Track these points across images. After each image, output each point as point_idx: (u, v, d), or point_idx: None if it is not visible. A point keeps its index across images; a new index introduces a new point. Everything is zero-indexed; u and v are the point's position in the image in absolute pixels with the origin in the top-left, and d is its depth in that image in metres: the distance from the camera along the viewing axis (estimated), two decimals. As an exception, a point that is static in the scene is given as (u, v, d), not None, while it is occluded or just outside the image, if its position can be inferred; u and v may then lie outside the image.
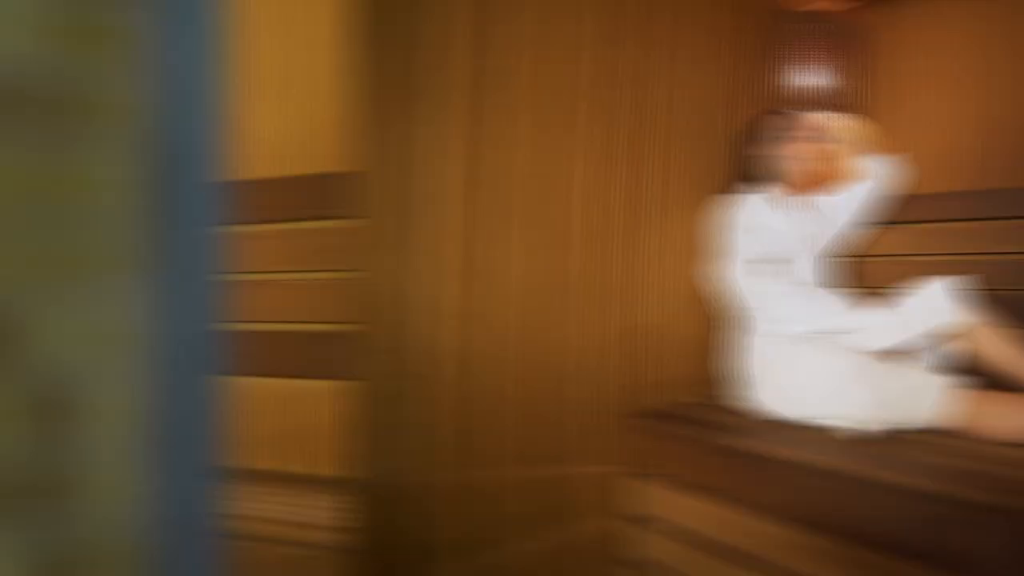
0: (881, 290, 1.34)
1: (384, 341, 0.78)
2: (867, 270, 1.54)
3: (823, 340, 1.18)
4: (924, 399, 1.02)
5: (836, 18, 1.58)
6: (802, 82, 1.55)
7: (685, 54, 1.33)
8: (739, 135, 1.46)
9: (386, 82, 0.78)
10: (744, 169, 1.39)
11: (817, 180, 1.56)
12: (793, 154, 1.36)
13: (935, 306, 1.11)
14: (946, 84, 1.54)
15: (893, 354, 1.16)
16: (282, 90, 1.13)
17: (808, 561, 0.88)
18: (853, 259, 1.55)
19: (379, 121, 0.77)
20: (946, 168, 1.51)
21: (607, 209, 1.16)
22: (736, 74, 1.50)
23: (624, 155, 1.18)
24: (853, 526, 0.85)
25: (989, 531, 0.73)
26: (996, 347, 1.09)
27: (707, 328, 1.38)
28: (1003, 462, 0.86)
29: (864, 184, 1.49)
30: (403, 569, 0.79)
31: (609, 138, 1.16)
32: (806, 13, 1.58)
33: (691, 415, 1.20)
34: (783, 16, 1.57)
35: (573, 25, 1.08)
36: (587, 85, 1.11)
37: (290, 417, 1.08)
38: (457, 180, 0.89)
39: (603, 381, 1.14)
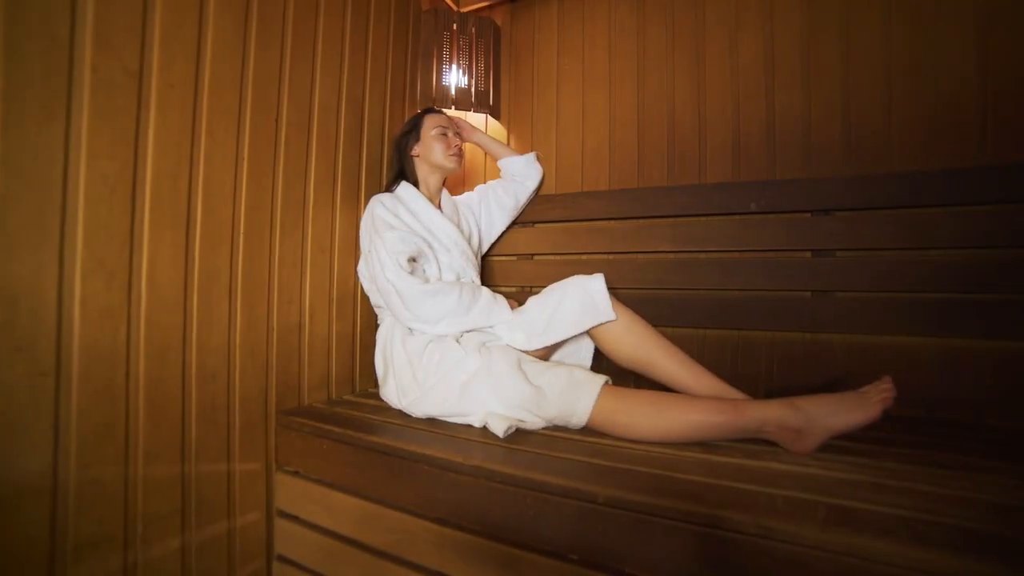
0: (528, 287, 1.37)
1: (16, 340, 0.76)
2: (515, 267, 1.62)
3: (470, 338, 1.18)
4: (569, 397, 1.03)
5: (479, 19, 1.66)
6: (448, 82, 1.64)
7: (342, 54, 1.37)
8: (392, 135, 1.51)
9: (25, 82, 0.76)
10: (395, 167, 1.42)
11: (462, 178, 1.70)
12: (439, 152, 1.39)
13: (582, 304, 1.13)
14: (585, 84, 1.64)
15: (541, 352, 1.19)
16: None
17: (455, 557, 0.92)
18: (502, 256, 1.64)
19: (15, 123, 0.75)
20: (587, 168, 1.62)
21: (266, 210, 1.17)
22: (394, 75, 1.56)
23: (284, 154, 1.20)
24: (494, 522, 0.88)
25: (630, 528, 0.77)
26: (638, 345, 1.12)
27: (361, 326, 1.43)
28: (642, 461, 0.89)
29: (508, 182, 1.57)
30: (32, 570, 0.78)
31: (270, 138, 1.17)
32: (453, 13, 1.67)
33: (339, 413, 1.21)
34: (432, 16, 1.64)
35: (237, 26, 1.08)
36: (251, 86, 1.11)
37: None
38: (114, 181, 0.87)
39: (258, 379, 1.15)
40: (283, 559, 1.15)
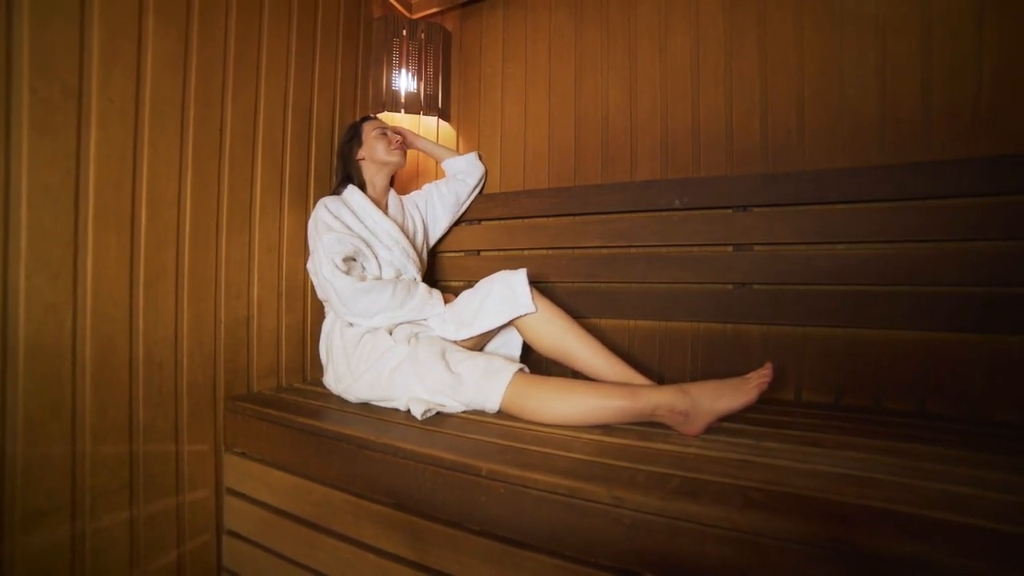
0: (475, 282, 1.42)
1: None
2: (463, 263, 1.72)
3: (402, 329, 1.27)
4: (484, 384, 1.11)
5: (430, 25, 1.74)
6: (398, 86, 1.71)
7: (287, 64, 1.46)
8: (338, 139, 1.60)
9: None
10: (339, 170, 1.52)
11: (403, 179, 1.78)
12: (382, 150, 1.49)
13: (505, 297, 1.22)
14: (527, 87, 1.71)
15: (471, 342, 1.29)
16: None
17: (369, 525, 1.02)
18: (451, 253, 1.75)
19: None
20: (528, 167, 1.70)
21: (212, 214, 1.26)
22: (343, 81, 1.65)
23: (228, 162, 1.29)
24: (400, 494, 0.98)
25: (506, 499, 0.85)
26: (556, 336, 1.21)
27: (312, 319, 1.54)
28: (538, 441, 0.98)
29: (451, 180, 1.67)
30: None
31: (214, 147, 1.26)
32: (404, 19, 1.74)
33: (283, 398, 1.31)
34: (382, 22, 1.72)
35: (177, 41, 1.16)
36: (193, 98, 1.20)
37: None
38: (57, 191, 0.96)
39: (206, 368, 1.26)
40: (232, 533, 1.25)
